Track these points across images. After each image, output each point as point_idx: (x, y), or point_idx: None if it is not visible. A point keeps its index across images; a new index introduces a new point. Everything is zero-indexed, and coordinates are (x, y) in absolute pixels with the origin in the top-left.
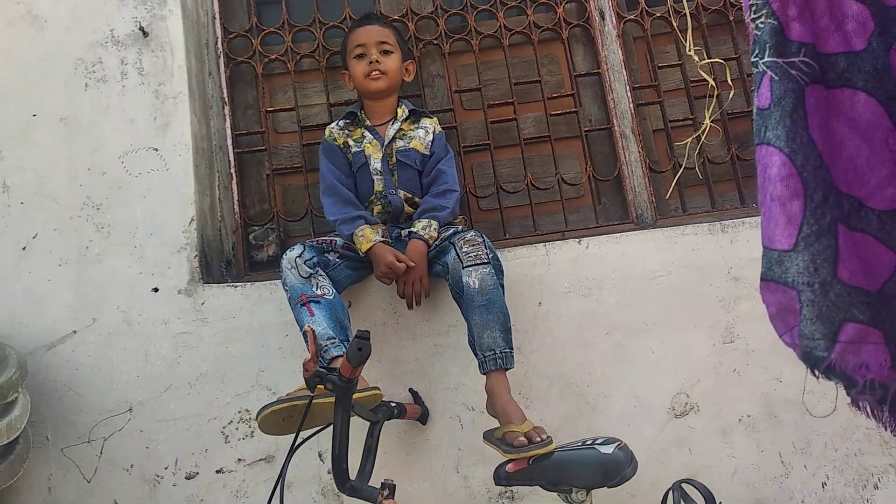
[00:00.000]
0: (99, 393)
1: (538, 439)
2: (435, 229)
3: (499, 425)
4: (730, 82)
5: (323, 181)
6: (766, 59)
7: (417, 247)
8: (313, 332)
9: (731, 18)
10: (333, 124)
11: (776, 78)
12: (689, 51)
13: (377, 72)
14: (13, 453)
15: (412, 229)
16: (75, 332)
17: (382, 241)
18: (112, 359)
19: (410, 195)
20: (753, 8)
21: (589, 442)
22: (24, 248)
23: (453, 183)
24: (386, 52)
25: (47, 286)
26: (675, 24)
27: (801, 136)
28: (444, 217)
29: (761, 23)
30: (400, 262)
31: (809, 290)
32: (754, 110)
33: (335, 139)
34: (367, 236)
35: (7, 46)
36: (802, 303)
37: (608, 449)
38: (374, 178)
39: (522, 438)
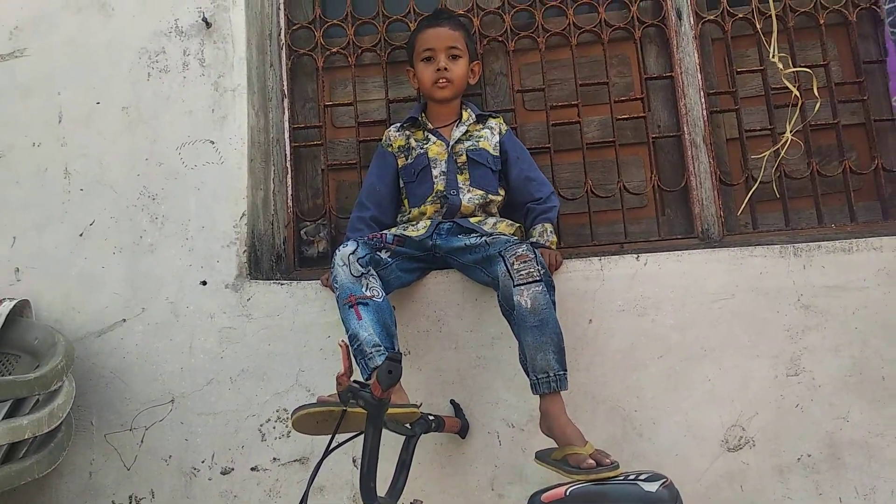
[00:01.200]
0: (143, 382)
1: (607, 462)
2: (551, 232)
3: (556, 446)
4: (815, 92)
5: (360, 193)
6: None
7: (549, 255)
8: (348, 347)
9: (822, 22)
10: (392, 128)
11: None
12: (773, 57)
13: (444, 80)
14: (54, 441)
15: (531, 239)
16: (125, 320)
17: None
18: (158, 349)
19: (484, 192)
20: None
21: (632, 477)
22: (81, 235)
23: (549, 185)
24: (454, 58)
25: (101, 273)
26: (758, 26)
27: None
28: (554, 217)
29: None
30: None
31: None
32: None
33: (391, 144)
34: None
35: (75, 33)
36: None
37: (652, 486)
38: (436, 179)
39: (591, 461)
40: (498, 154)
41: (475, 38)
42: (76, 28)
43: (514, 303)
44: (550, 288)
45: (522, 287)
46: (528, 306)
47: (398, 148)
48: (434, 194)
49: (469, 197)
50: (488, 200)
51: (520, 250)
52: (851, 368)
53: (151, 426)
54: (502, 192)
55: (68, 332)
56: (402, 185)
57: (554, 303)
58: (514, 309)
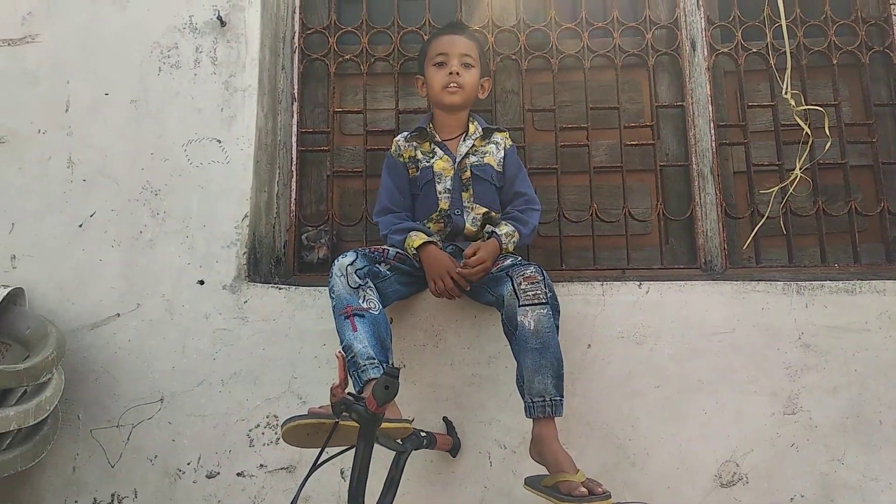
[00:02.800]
0: (133, 379)
1: (599, 491)
2: (513, 243)
3: (547, 473)
4: (826, 131)
5: (379, 202)
6: None
7: (494, 245)
8: (344, 358)
9: (835, 62)
10: (400, 137)
11: None
12: (786, 93)
13: (455, 84)
14: (39, 434)
15: (496, 230)
16: (119, 315)
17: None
18: (151, 347)
19: (487, 209)
20: None
21: None
22: (80, 226)
23: (537, 203)
24: (467, 66)
25: (98, 266)
26: (772, 61)
27: None
28: (527, 234)
29: None
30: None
31: None
32: None
33: (401, 154)
34: (421, 236)
35: (87, 22)
36: None
37: None
38: (441, 196)
39: (583, 489)
40: (501, 170)
41: (489, 54)
42: (89, 17)
43: (518, 323)
44: (555, 312)
45: (528, 308)
46: (531, 328)
47: (408, 159)
48: (438, 212)
49: (472, 218)
50: (490, 218)
51: (528, 271)
52: (849, 410)
53: (139, 424)
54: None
55: (61, 324)
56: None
57: (558, 327)
58: (517, 329)
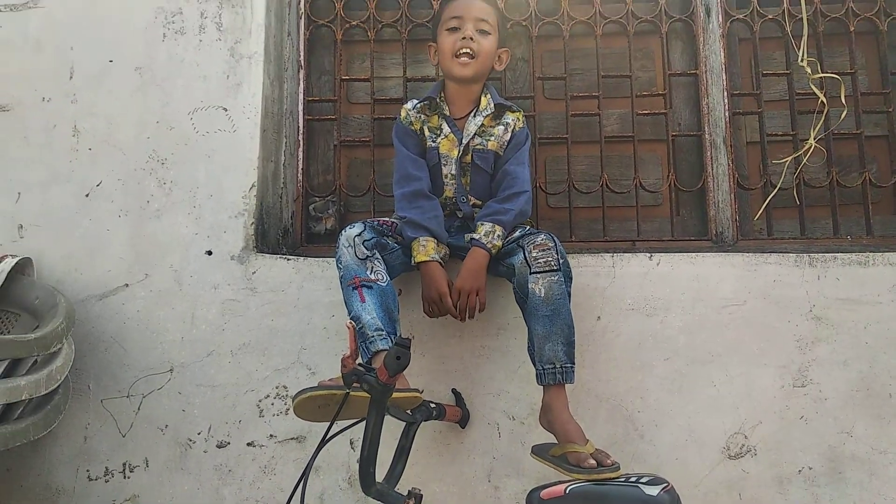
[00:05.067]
0: (143, 350)
1: (608, 462)
2: (499, 237)
3: (556, 442)
4: (842, 100)
5: (397, 170)
6: None
7: (478, 258)
8: (354, 328)
9: (852, 29)
10: (410, 105)
11: None
12: (802, 61)
13: (468, 52)
14: (50, 403)
15: (474, 235)
16: (127, 285)
17: (440, 262)
18: (159, 317)
19: (480, 203)
20: None
21: (633, 479)
22: (87, 195)
23: (522, 183)
24: (483, 32)
25: (106, 236)
26: (788, 28)
27: None
28: (510, 221)
29: None
30: (450, 295)
31: None
32: None
33: (412, 123)
34: (428, 250)
35: None
36: None
37: (653, 490)
38: (446, 182)
39: (592, 461)
40: (502, 153)
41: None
42: None
43: (529, 290)
44: (567, 279)
45: (539, 275)
46: (542, 295)
47: (418, 130)
48: (444, 199)
49: (471, 206)
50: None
51: (539, 239)
52: (859, 383)
53: (149, 394)
54: None
55: (69, 294)
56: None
57: (569, 294)
58: (528, 296)
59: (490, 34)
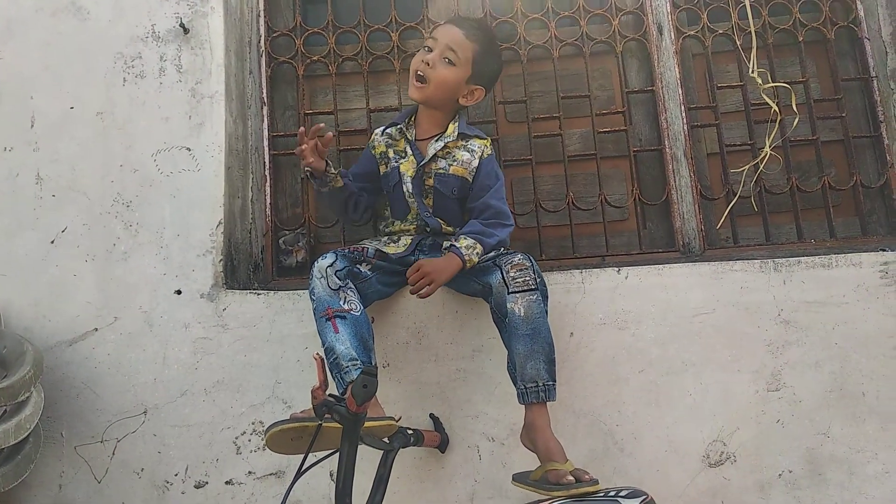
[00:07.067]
0: (115, 393)
1: (586, 478)
2: (478, 255)
3: (531, 470)
4: (794, 108)
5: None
6: None
7: (452, 263)
8: (322, 360)
9: (801, 39)
10: (379, 129)
11: None
12: (753, 72)
13: (419, 76)
14: (20, 454)
15: (455, 243)
16: (97, 329)
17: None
18: (131, 359)
19: (445, 222)
20: None
21: (612, 493)
22: (52, 242)
23: (507, 217)
24: (447, 62)
25: (73, 281)
26: (738, 42)
27: None
28: (491, 246)
29: None
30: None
31: None
32: None
33: (374, 147)
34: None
35: (49, 37)
36: None
37: (633, 503)
38: (409, 200)
39: (570, 477)
40: (471, 180)
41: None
42: (50, 32)
43: (507, 310)
44: (545, 297)
45: (517, 295)
46: (522, 314)
47: (380, 154)
48: (413, 215)
49: (437, 220)
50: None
51: (516, 259)
52: (832, 384)
53: (123, 438)
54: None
55: (38, 341)
56: (385, 192)
57: (547, 312)
58: (507, 316)
59: (455, 66)
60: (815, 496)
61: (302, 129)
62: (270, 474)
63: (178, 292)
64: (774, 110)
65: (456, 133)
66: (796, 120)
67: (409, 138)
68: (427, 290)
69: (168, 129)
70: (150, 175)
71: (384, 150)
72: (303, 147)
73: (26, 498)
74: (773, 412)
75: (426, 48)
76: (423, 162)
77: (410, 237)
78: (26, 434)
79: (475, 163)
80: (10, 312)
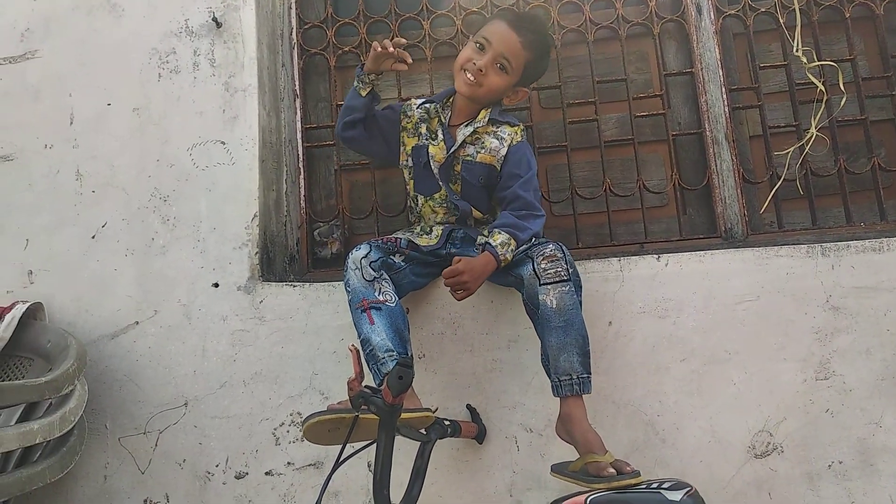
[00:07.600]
0: (156, 385)
1: (627, 470)
2: (512, 251)
3: (571, 460)
4: (842, 87)
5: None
6: None
7: (487, 266)
8: (358, 351)
9: (848, 15)
10: (418, 100)
11: None
12: (797, 51)
13: (472, 79)
14: (66, 445)
15: (490, 240)
16: (137, 322)
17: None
18: (171, 352)
19: (474, 207)
20: None
21: (655, 485)
22: (93, 237)
23: (539, 207)
24: (500, 68)
25: (113, 276)
26: (781, 20)
27: None
28: (524, 240)
29: None
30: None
31: None
32: None
33: (406, 113)
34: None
35: (85, 35)
36: None
37: (676, 495)
38: (440, 181)
39: (611, 469)
40: (499, 168)
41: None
42: (86, 29)
43: (540, 302)
44: (578, 288)
45: (549, 286)
46: (554, 306)
47: (413, 125)
48: (440, 195)
49: (468, 204)
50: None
51: (547, 250)
52: (884, 372)
53: (165, 430)
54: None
55: (81, 335)
56: (410, 162)
57: (581, 303)
58: (539, 308)
59: (506, 74)
60: (867, 487)
61: (398, 40)
62: (309, 465)
63: (216, 285)
64: (820, 90)
65: (486, 118)
66: (843, 99)
67: (443, 121)
68: (461, 296)
69: (202, 124)
70: (185, 169)
71: (417, 121)
72: (389, 48)
73: (72, 489)
74: (821, 401)
75: (478, 45)
76: (453, 149)
77: (441, 227)
78: (71, 426)
79: (503, 151)
80: (54, 307)
